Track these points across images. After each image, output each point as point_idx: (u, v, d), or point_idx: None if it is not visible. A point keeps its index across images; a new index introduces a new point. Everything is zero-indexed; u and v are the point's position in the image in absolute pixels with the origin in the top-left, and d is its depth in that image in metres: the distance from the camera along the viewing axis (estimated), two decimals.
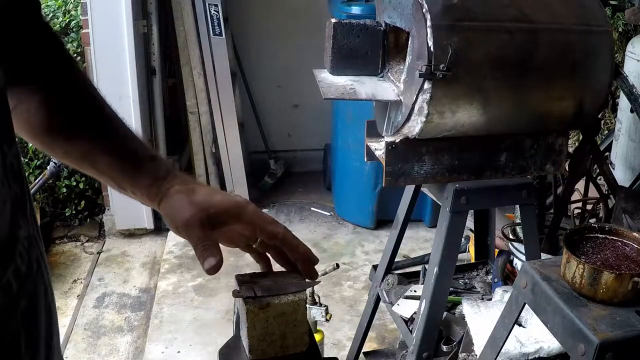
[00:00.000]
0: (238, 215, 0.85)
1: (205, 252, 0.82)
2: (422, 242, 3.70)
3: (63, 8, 3.77)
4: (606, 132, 3.27)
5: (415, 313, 1.88)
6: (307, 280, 0.88)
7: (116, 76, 3.37)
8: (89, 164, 0.87)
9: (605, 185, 2.11)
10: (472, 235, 2.37)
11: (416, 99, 1.52)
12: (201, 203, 0.83)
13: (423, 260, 3.19)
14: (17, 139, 0.67)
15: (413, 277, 2.18)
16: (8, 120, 0.63)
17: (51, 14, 3.78)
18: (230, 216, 0.85)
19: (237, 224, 0.86)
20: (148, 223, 3.74)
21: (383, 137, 1.70)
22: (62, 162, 0.94)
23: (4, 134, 0.60)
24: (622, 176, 2.65)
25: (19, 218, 0.61)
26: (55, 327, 0.69)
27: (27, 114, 0.83)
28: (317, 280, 0.90)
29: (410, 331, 1.86)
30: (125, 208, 3.68)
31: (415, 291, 2.01)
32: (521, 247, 1.97)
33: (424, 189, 1.98)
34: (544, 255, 1.87)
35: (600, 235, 1.34)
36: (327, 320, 2.34)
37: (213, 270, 0.82)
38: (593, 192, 2.12)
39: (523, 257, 1.94)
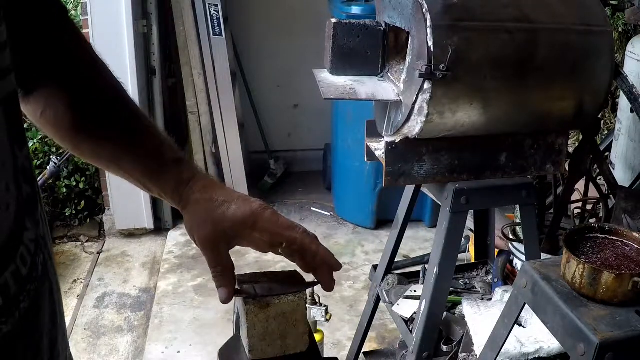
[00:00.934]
0: (254, 224, 0.84)
1: (217, 281, 0.83)
2: (422, 242, 3.70)
3: None
4: (606, 132, 3.27)
5: (415, 313, 1.88)
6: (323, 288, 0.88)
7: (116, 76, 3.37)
8: (116, 166, 0.88)
9: (605, 185, 2.11)
10: (472, 235, 2.37)
11: (416, 99, 1.52)
12: (215, 218, 0.83)
13: (423, 260, 3.19)
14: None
15: (413, 277, 2.18)
16: (19, 121, 0.63)
17: None
18: (245, 227, 0.84)
19: (255, 232, 0.84)
20: (148, 223, 3.74)
21: (383, 137, 1.70)
22: (92, 163, 0.95)
23: (15, 135, 0.60)
24: (622, 176, 2.65)
25: (25, 220, 0.60)
26: (61, 331, 0.69)
27: (55, 116, 0.83)
28: (315, 282, 0.90)
29: (410, 331, 1.86)
30: (125, 208, 3.68)
31: (415, 291, 2.01)
32: (521, 247, 1.97)
33: (424, 189, 1.98)
34: (544, 255, 1.87)
35: (600, 235, 1.34)
36: (327, 320, 2.34)
37: (225, 301, 0.83)
38: (593, 192, 2.12)
39: (523, 257, 1.94)
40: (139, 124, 0.89)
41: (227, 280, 0.83)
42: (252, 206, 0.84)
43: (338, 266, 0.89)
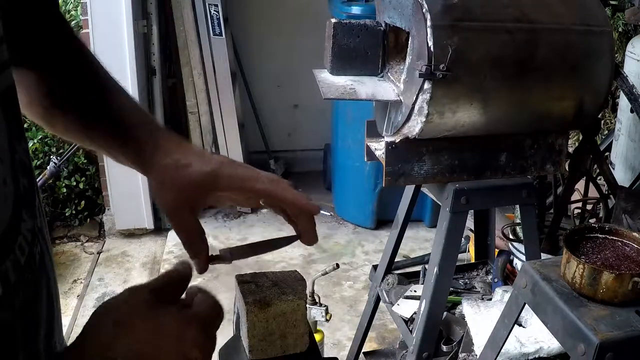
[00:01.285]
0: (213, 184, 0.78)
1: (188, 250, 0.78)
2: (422, 242, 3.70)
3: (63, 8, 3.77)
4: (606, 132, 3.27)
5: (415, 313, 1.88)
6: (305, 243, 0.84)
7: (116, 76, 3.35)
8: (87, 138, 0.84)
9: (605, 185, 2.11)
10: (472, 235, 2.37)
11: (416, 99, 1.52)
12: (177, 183, 0.76)
13: (423, 260, 3.19)
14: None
15: (413, 277, 2.18)
16: (18, 116, 0.63)
17: None
18: (205, 189, 0.78)
19: (219, 192, 0.79)
20: (148, 223, 3.74)
21: (383, 137, 1.70)
22: (67, 139, 0.90)
23: (13, 129, 0.60)
24: (622, 176, 2.65)
25: (22, 212, 0.61)
26: (58, 322, 0.69)
27: (27, 92, 0.81)
28: (294, 237, 0.87)
29: (410, 331, 1.86)
30: (125, 208, 3.68)
31: (415, 291, 2.01)
32: (521, 247, 1.97)
33: (424, 189, 1.98)
34: (544, 255, 1.87)
35: (600, 235, 1.34)
36: (327, 320, 2.34)
37: (201, 271, 0.79)
38: (593, 192, 2.12)
39: (523, 257, 1.94)
40: (107, 92, 0.84)
41: (198, 247, 0.78)
42: (210, 165, 0.78)
43: (315, 209, 0.83)
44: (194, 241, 0.78)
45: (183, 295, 0.70)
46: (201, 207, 0.80)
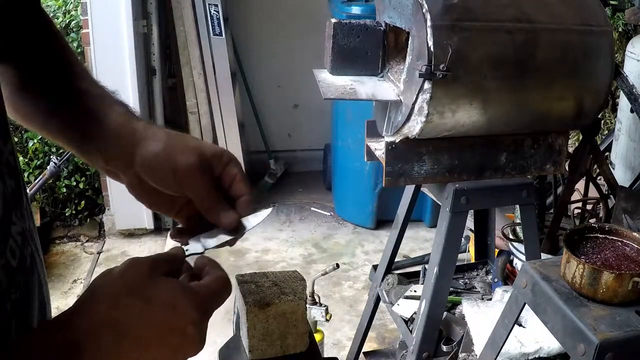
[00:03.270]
0: (229, 160, 0.76)
1: (219, 204, 0.74)
2: (422, 242, 3.70)
3: (63, 8, 3.77)
4: (606, 132, 3.27)
5: (415, 313, 1.88)
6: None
7: (116, 76, 3.37)
8: (57, 120, 0.79)
9: (605, 185, 2.11)
10: (472, 235, 2.37)
11: (416, 99, 1.52)
12: (194, 147, 0.74)
13: (423, 260, 3.19)
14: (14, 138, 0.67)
15: (413, 277, 2.18)
16: (3, 115, 0.63)
17: (51, 14, 3.78)
18: (221, 161, 0.75)
19: (224, 170, 0.76)
20: (148, 223, 3.74)
21: (383, 137, 1.70)
22: (34, 128, 0.84)
23: None
24: (622, 176, 2.65)
25: (12, 214, 0.61)
26: None
27: (4, 88, 0.77)
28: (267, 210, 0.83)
29: (410, 331, 1.86)
30: (125, 208, 3.68)
31: (415, 291, 2.01)
32: (521, 247, 1.97)
33: (424, 189, 1.98)
34: (544, 255, 1.87)
35: (600, 235, 1.34)
36: (327, 320, 2.34)
37: (234, 224, 0.74)
38: (593, 192, 2.12)
39: (523, 257, 1.94)
40: (78, 78, 0.81)
41: (225, 204, 0.75)
42: (216, 146, 0.78)
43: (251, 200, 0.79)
44: (216, 200, 0.74)
45: (193, 267, 0.68)
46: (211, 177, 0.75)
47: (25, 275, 0.62)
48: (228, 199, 0.76)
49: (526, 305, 1.34)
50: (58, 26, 3.71)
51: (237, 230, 0.76)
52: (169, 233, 0.75)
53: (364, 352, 2.35)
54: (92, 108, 0.76)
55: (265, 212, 0.80)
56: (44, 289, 0.67)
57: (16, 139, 3.45)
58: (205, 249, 0.75)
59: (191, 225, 0.78)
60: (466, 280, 2.16)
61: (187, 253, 0.74)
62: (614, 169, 2.74)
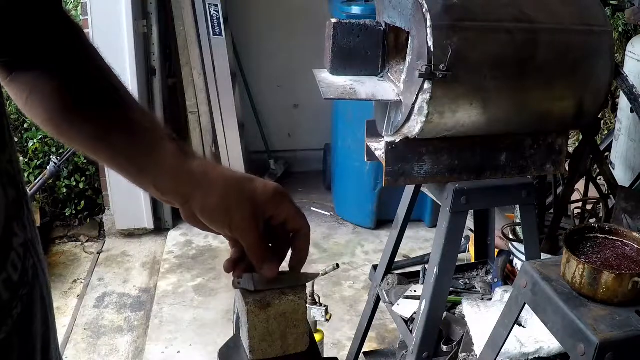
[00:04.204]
0: (282, 199, 0.80)
1: (265, 256, 0.82)
2: (422, 242, 3.70)
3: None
4: (606, 132, 3.27)
5: (415, 313, 1.88)
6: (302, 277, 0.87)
7: None
8: (104, 144, 0.80)
9: (605, 185, 2.11)
10: (472, 235, 2.37)
11: (416, 99, 1.52)
12: (249, 195, 0.78)
13: (423, 260, 3.19)
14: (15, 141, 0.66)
15: (413, 277, 2.18)
16: (1, 124, 0.62)
17: None
18: (275, 203, 0.80)
19: (276, 211, 0.80)
20: (148, 223, 3.74)
21: (383, 137, 1.70)
22: (79, 149, 0.84)
23: None
24: (622, 176, 2.65)
25: (14, 225, 0.60)
26: (53, 335, 0.69)
27: (41, 99, 0.78)
28: (318, 274, 0.89)
29: (410, 331, 1.86)
30: (125, 208, 3.68)
31: (415, 291, 2.01)
32: (521, 247, 1.97)
33: (424, 189, 1.98)
34: (544, 255, 1.87)
35: (600, 235, 1.34)
36: (327, 320, 2.34)
37: (272, 276, 0.83)
38: (593, 192, 2.12)
39: (523, 257, 1.94)
40: (127, 101, 0.82)
41: (266, 256, 0.82)
42: (272, 185, 0.81)
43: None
44: (264, 252, 0.82)
45: None
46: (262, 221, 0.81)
47: (27, 289, 0.61)
48: (285, 233, 0.84)
49: (526, 305, 1.34)
50: None
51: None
52: (224, 264, 0.81)
53: (364, 352, 2.35)
54: (146, 144, 0.79)
55: (327, 269, 0.90)
56: (46, 302, 0.66)
57: (16, 139, 3.45)
58: (256, 289, 0.82)
59: (233, 245, 0.86)
60: (466, 280, 2.16)
61: (239, 286, 0.83)
62: (614, 169, 2.73)
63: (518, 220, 2.04)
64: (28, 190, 0.76)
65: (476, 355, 1.74)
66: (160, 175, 0.78)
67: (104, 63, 0.84)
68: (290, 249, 0.87)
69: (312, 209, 4.08)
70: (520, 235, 2.02)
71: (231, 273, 0.89)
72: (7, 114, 0.64)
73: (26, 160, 3.53)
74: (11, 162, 0.62)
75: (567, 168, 1.92)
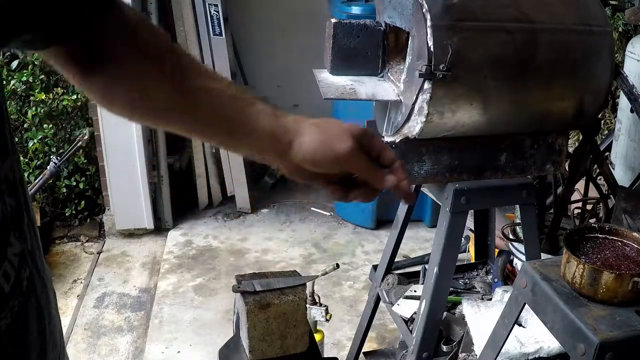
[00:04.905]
0: (371, 137, 0.86)
1: (381, 173, 0.87)
2: (422, 242, 3.70)
3: None
4: (606, 132, 3.27)
5: (415, 313, 1.88)
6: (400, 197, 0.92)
7: None
8: (194, 120, 0.83)
9: (605, 185, 2.11)
10: (472, 235, 2.37)
11: (416, 99, 1.52)
12: (346, 131, 0.84)
13: (423, 260, 3.19)
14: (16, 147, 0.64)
15: (413, 277, 2.18)
16: (2, 132, 0.61)
17: None
18: (368, 138, 0.85)
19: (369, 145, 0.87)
20: (148, 223, 3.74)
21: (383, 137, 1.70)
22: (165, 127, 0.88)
23: None
24: (622, 176, 2.65)
25: (10, 235, 0.59)
26: (52, 344, 0.67)
27: (143, 92, 0.79)
28: (316, 275, 0.90)
29: (410, 331, 1.86)
30: (125, 208, 3.68)
31: (415, 291, 2.01)
32: (521, 247, 1.97)
33: (424, 189, 1.98)
34: (544, 255, 1.87)
35: (600, 235, 1.34)
36: (327, 320, 2.34)
37: (411, 200, 0.90)
38: (593, 192, 2.12)
39: (523, 257, 1.94)
40: (209, 77, 0.85)
41: (382, 176, 0.87)
42: (358, 125, 0.88)
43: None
44: (378, 170, 0.87)
45: None
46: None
47: (20, 299, 0.60)
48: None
49: (526, 305, 1.34)
50: None
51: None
52: (332, 192, 0.90)
53: (364, 352, 2.35)
54: (238, 110, 0.83)
55: (327, 269, 0.94)
56: (44, 314, 0.65)
57: (16, 139, 3.45)
58: (255, 289, 0.85)
59: (335, 189, 0.91)
60: (466, 280, 2.16)
61: (240, 289, 0.87)
62: (614, 169, 2.74)
63: (518, 220, 2.04)
64: (29, 192, 0.75)
65: (476, 355, 1.74)
66: (257, 137, 0.82)
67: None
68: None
69: (312, 209, 4.08)
70: (520, 235, 2.02)
71: (231, 273, 0.89)
72: (8, 120, 0.64)
73: (26, 160, 3.53)
74: (13, 170, 0.61)
75: (567, 168, 1.92)
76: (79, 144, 3.39)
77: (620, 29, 3.55)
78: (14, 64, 3.47)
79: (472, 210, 2.08)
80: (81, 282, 3.39)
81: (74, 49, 0.76)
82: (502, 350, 1.45)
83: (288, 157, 0.83)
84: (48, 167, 3.31)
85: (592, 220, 2.14)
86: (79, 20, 0.73)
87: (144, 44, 0.79)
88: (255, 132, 0.82)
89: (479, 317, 1.84)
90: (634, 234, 1.32)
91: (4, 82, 3.28)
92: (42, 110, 3.47)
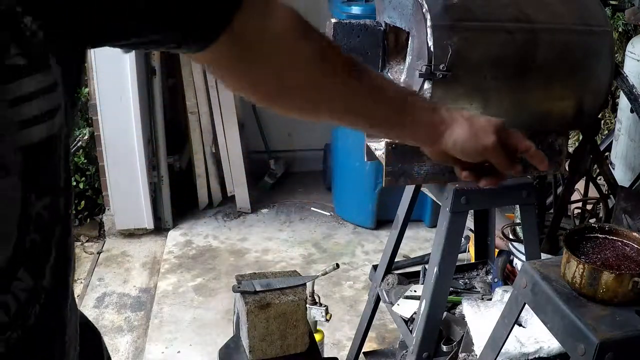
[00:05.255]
0: (510, 132, 1.00)
1: (514, 163, 1.01)
2: (422, 242, 3.70)
3: None
4: (606, 132, 3.27)
5: (415, 313, 1.88)
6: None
7: (116, 76, 3.37)
8: (365, 107, 0.93)
9: (605, 185, 2.11)
10: (472, 235, 2.37)
11: None
12: (490, 127, 0.97)
13: (423, 260, 3.19)
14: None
15: (413, 277, 2.18)
16: (50, 170, 0.59)
17: None
18: (505, 135, 0.99)
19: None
20: (148, 223, 3.74)
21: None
22: (335, 116, 0.98)
23: (33, 184, 0.57)
24: (622, 176, 2.65)
25: (19, 270, 0.57)
26: None
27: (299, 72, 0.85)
28: (316, 275, 0.91)
29: (410, 331, 1.86)
30: (125, 208, 3.68)
31: (415, 291, 2.01)
32: (521, 247, 1.97)
33: (424, 189, 1.98)
34: (544, 255, 1.87)
35: (600, 235, 1.34)
36: (327, 320, 2.34)
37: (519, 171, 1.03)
38: (593, 192, 2.12)
39: (523, 257, 1.94)
40: (371, 74, 0.94)
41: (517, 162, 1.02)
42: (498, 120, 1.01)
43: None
44: (511, 162, 1.01)
45: None
46: None
47: (20, 332, 0.59)
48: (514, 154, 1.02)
49: (526, 305, 1.34)
50: None
51: None
52: (463, 174, 1.04)
53: (364, 352, 2.35)
54: (401, 105, 0.94)
55: (327, 269, 0.98)
56: (55, 347, 0.65)
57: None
58: (255, 289, 0.89)
59: (468, 174, 1.03)
60: (466, 280, 2.16)
61: (240, 289, 0.91)
62: (614, 169, 2.73)
63: (518, 220, 2.05)
64: (73, 233, 0.73)
65: (476, 355, 1.74)
66: (418, 127, 0.97)
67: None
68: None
69: (312, 209, 4.08)
70: (520, 235, 2.02)
71: (231, 273, 0.91)
72: (67, 157, 0.63)
73: None
74: (48, 207, 0.59)
75: (567, 168, 1.92)
76: (78, 144, 3.39)
77: (620, 29, 3.55)
78: None
79: (472, 210, 2.08)
80: (81, 282, 3.39)
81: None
82: (502, 350, 1.45)
83: (438, 144, 0.97)
84: None
85: (592, 220, 2.14)
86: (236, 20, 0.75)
87: (322, 52, 0.88)
88: (417, 123, 0.96)
89: (479, 317, 1.84)
90: (634, 234, 1.32)
91: None
92: None
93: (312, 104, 0.90)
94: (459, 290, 2.09)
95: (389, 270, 2.14)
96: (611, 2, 2.80)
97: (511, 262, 2.12)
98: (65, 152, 0.61)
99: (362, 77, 0.90)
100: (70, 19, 0.58)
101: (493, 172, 1.03)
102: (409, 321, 1.93)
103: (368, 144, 1.81)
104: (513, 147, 1.01)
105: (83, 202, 3.79)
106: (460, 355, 1.80)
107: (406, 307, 1.97)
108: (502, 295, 1.91)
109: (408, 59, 1.58)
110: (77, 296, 3.27)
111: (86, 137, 3.42)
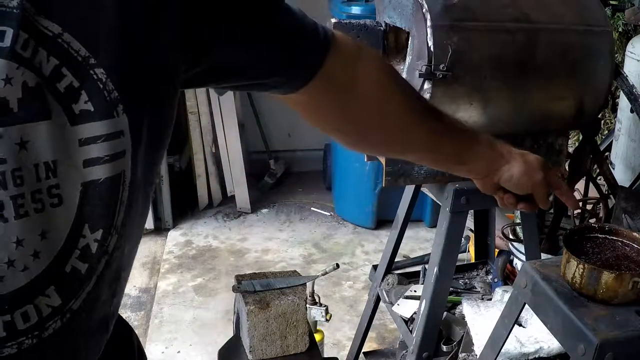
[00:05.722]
0: (553, 173, 1.11)
1: (548, 200, 1.12)
2: (422, 242, 3.70)
3: None
4: (606, 132, 3.27)
5: (415, 313, 1.88)
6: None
7: None
8: (436, 145, 1.01)
9: (605, 185, 2.11)
10: (472, 235, 2.37)
11: None
12: (539, 167, 1.09)
13: (423, 260, 3.19)
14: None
15: (413, 277, 2.18)
16: (106, 207, 0.62)
17: None
18: (548, 174, 1.10)
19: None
20: (148, 223, 3.74)
21: None
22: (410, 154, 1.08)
23: (88, 218, 0.61)
24: (622, 176, 2.65)
25: (48, 289, 0.60)
26: None
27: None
28: (316, 275, 0.92)
29: (410, 331, 1.86)
30: None
31: (415, 291, 2.01)
32: (521, 247, 1.97)
33: (424, 189, 1.98)
34: (544, 255, 1.87)
35: (600, 235, 1.34)
36: (327, 320, 2.34)
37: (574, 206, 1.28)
38: (593, 192, 2.12)
39: (523, 257, 1.94)
40: (439, 113, 1.01)
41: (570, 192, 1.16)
42: (542, 160, 1.13)
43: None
44: (547, 198, 1.12)
45: None
46: None
47: (35, 341, 0.60)
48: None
49: (526, 305, 1.34)
50: None
51: None
52: (506, 199, 1.14)
53: (364, 352, 2.35)
54: (466, 142, 1.03)
55: (327, 269, 1.01)
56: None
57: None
58: (255, 289, 0.91)
59: (509, 201, 1.13)
60: (466, 280, 2.16)
61: (240, 289, 0.93)
62: (614, 169, 2.73)
63: (518, 220, 2.04)
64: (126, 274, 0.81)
65: (476, 355, 1.74)
66: (477, 162, 1.05)
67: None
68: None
69: (312, 209, 4.09)
70: (520, 235, 2.02)
71: (231, 273, 0.92)
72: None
73: None
74: (99, 240, 0.63)
75: (567, 168, 1.92)
76: None
77: (620, 29, 3.55)
78: None
79: (472, 210, 2.08)
80: None
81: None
82: (502, 350, 1.45)
83: (491, 177, 1.06)
84: None
85: (592, 220, 2.14)
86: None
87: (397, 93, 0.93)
88: (477, 159, 1.04)
89: (479, 317, 1.84)
90: (634, 234, 1.31)
91: None
92: None
93: (402, 146, 0.99)
94: (459, 290, 2.09)
95: (389, 270, 2.14)
96: (611, 2, 2.80)
97: (511, 262, 2.12)
98: (130, 198, 0.65)
99: (443, 117, 0.98)
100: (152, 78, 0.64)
101: (529, 200, 1.12)
102: (409, 321, 1.93)
103: None
104: (551, 184, 1.11)
105: None
106: (460, 355, 1.80)
107: (406, 307, 1.97)
108: (502, 295, 1.91)
109: (408, 59, 1.58)
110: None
111: None
